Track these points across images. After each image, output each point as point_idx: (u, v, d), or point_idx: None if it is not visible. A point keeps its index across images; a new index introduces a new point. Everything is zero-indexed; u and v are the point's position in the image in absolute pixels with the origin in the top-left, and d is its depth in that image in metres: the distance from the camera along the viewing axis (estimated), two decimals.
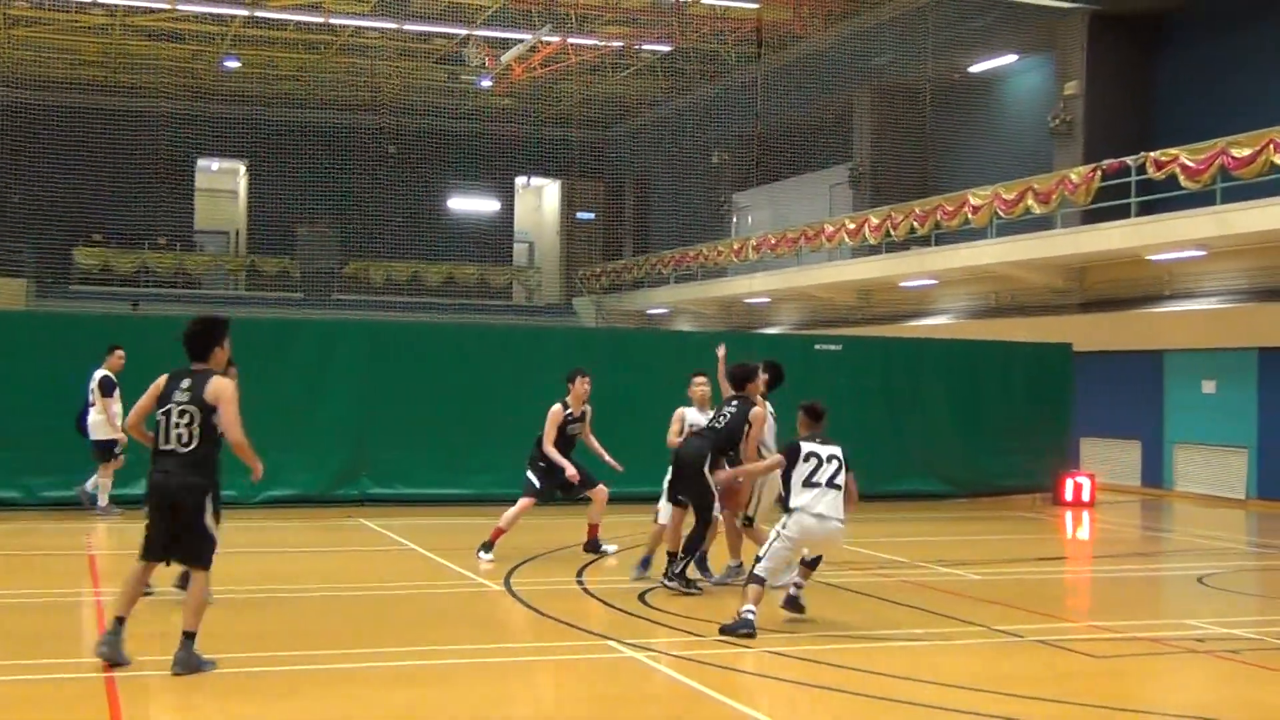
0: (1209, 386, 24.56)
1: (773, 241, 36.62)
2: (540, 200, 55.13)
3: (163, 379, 8.93)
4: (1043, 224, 27.89)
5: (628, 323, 45.19)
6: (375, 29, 36.87)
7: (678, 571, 12.06)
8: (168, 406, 8.77)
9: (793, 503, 10.62)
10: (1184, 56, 29.01)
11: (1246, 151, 21.98)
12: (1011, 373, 22.86)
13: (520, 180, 53.04)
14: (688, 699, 8.61)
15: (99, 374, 17.02)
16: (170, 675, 8.46)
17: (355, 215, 46.63)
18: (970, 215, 28.85)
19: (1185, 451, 25.11)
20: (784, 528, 10.56)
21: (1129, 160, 24.87)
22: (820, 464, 10.68)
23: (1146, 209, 25.05)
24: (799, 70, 37.29)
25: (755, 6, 34.17)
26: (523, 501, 14.48)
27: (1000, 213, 28.00)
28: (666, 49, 38.65)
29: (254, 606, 11.36)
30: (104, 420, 16.87)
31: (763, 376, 13.07)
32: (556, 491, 14.63)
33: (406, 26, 36.12)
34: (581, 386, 14.67)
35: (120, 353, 17.02)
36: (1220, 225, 22.88)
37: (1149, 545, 18.88)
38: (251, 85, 43.84)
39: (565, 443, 14.57)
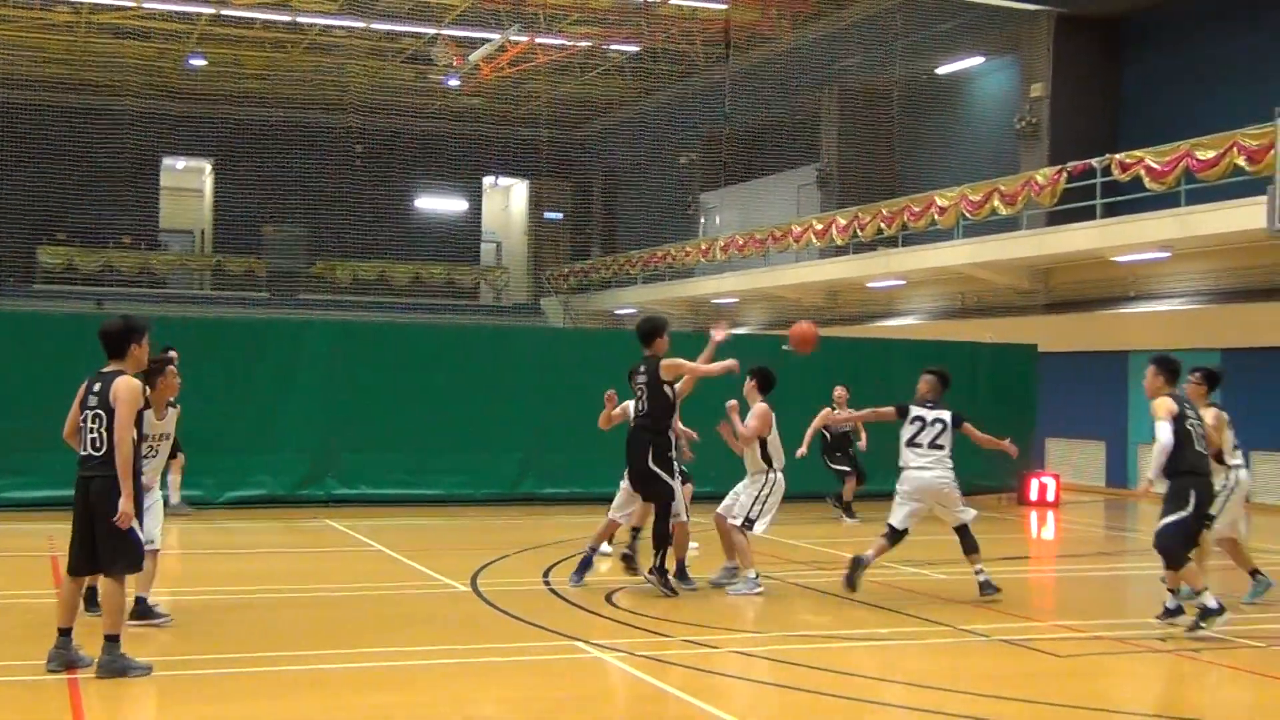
0: None
1: (740, 242, 36.67)
2: (508, 200, 55.03)
3: (85, 382, 8.79)
4: (1009, 225, 28.03)
5: (595, 323, 45.16)
6: (342, 27, 36.74)
7: (657, 565, 11.93)
8: (85, 412, 8.65)
9: (900, 461, 12.26)
10: (1149, 59, 29.19)
11: (1211, 154, 22.12)
12: (977, 373, 22.94)
13: (488, 180, 52.94)
14: (654, 699, 8.61)
15: None
16: (133, 678, 8.41)
17: (322, 215, 46.47)
18: (937, 216, 28.97)
19: (1149, 452, 25.18)
20: (899, 483, 12.25)
21: (1094, 162, 25.01)
22: (924, 426, 12.24)
23: (1111, 210, 25.20)
24: (767, 71, 37.36)
25: (723, 7, 34.20)
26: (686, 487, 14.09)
27: (966, 214, 28.12)
28: (634, 49, 38.66)
29: (219, 608, 11.30)
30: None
31: (751, 382, 12.82)
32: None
33: (374, 25, 36.02)
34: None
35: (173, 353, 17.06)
36: (1184, 227, 23.04)
37: (1113, 545, 18.99)
38: (217, 84, 43.61)
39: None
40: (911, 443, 12.29)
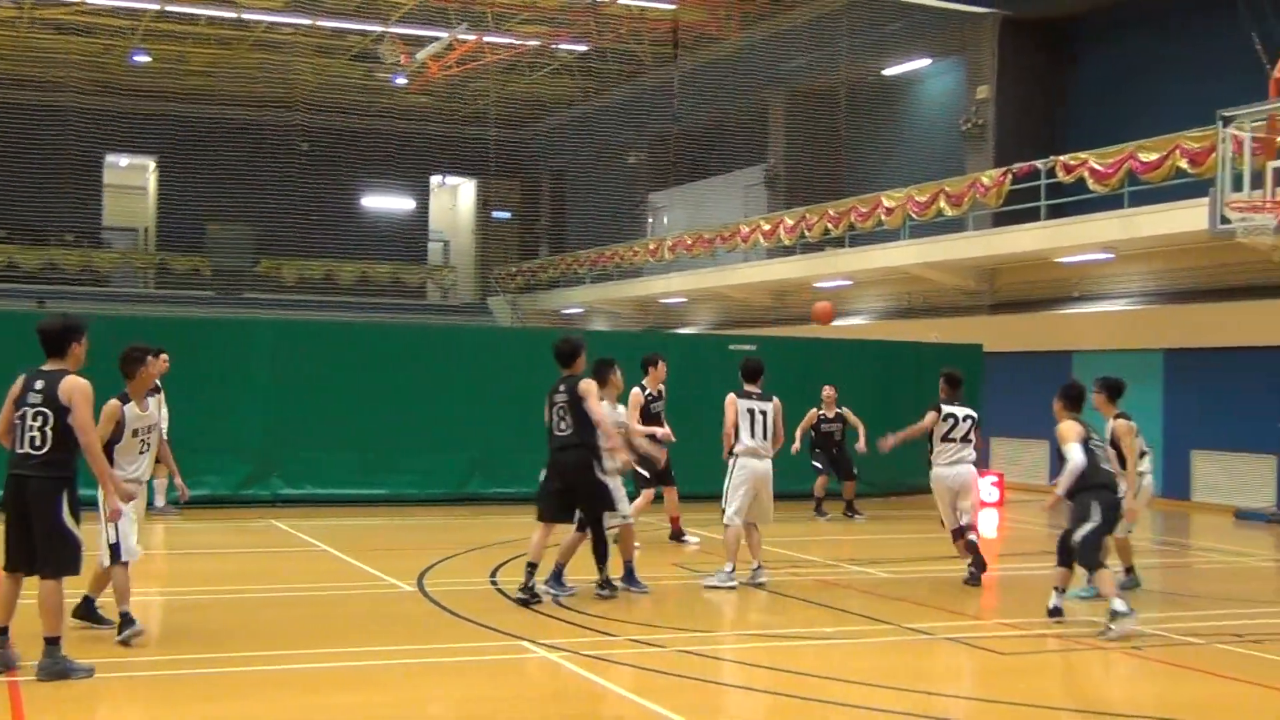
0: None
1: (689, 242, 36.72)
2: (455, 199, 54.88)
3: (20, 380, 8.68)
4: (955, 226, 28.21)
5: (543, 322, 45.08)
6: (289, 25, 36.52)
7: (603, 579, 11.82)
8: (23, 409, 8.55)
9: (933, 458, 13.53)
10: (1093, 62, 29.46)
11: (1154, 156, 22.34)
12: (923, 373, 23.05)
13: (435, 179, 52.79)
14: (601, 699, 8.61)
15: None
16: (76, 680, 8.33)
17: (268, 213, 46.07)
18: (884, 217, 29.12)
19: None
20: (932, 481, 13.50)
21: (1039, 164, 25.21)
22: (956, 423, 13.52)
23: (1056, 212, 25.39)
24: (715, 71, 37.42)
25: (671, 8, 34.25)
26: (644, 494, 15.26)
27: (913, 215, 28.28)
28: (583, 49, 38.65)
29: (165, 609, 11.22)
30: None
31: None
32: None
33: (321, 23, 35.82)
34: (662, 369, 15.70)
35: (164, 357, 16.61)
36: (1127, 228, 23.26)
37: (1055, 543, 19.12)
38: (162, 80, 43.22)
39: (651, 421, 15.27)
40: (946, 438, 13.56)
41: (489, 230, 52.56)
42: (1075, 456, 11.23)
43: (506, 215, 52.99)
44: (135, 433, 9.70)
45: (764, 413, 12.85)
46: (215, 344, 19.37)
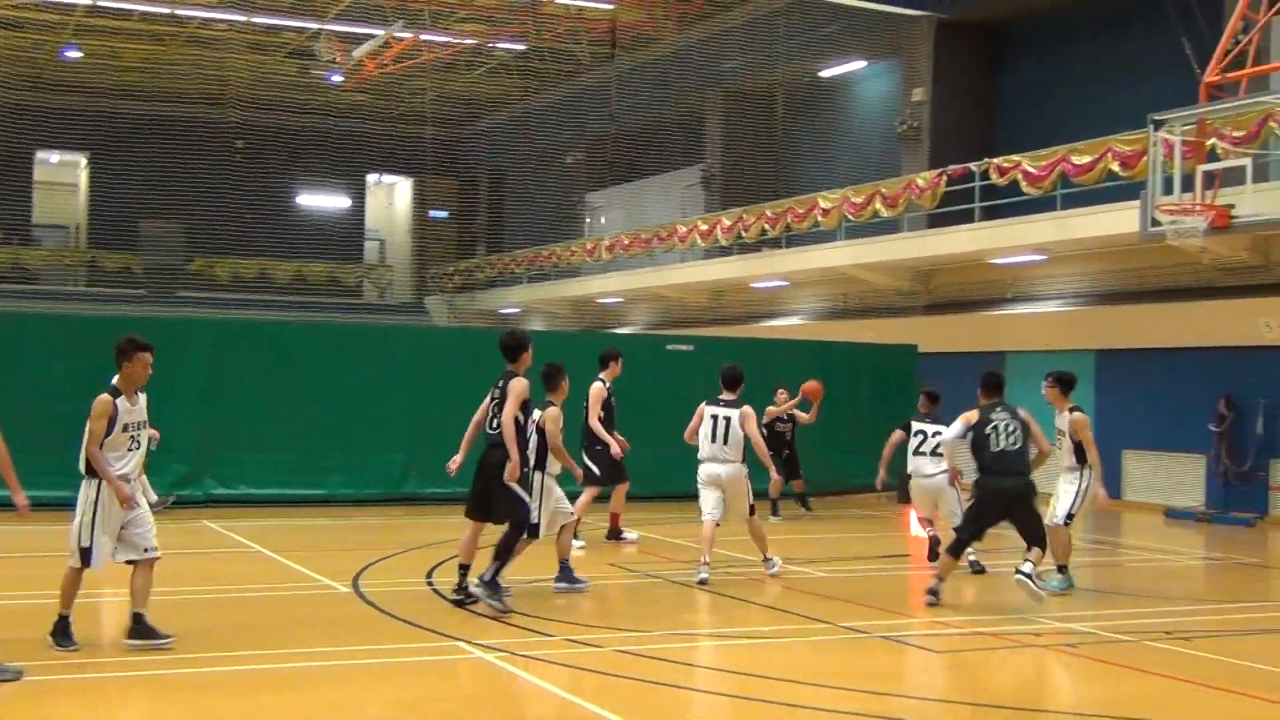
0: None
1: (626, 242, 36.74)
2: (392, 198, 54.61)
3: None
4: (890, 227, 28.38)
5: (480, 322, 44.96)
6: (223, 21, 36.18)
7: (488, 579, 11.11)
8: None
9: (910, 470, 14.82)
10: (1027, 65, 29.74)
11: (1086, 159, 22.57)
12: (858, 374, 23.22)
13: (371, 177, 52.51)
14: (537, 699, 8.59)
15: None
16: (3, 683, 8.21)
17: (202, 211, 45.68)
18: (820, 218, 29.24)
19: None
20: (912, 490, 14.72)
21: (973, 166, 25.41)
22: (925, 438, 14.67)
23: (990, 214, 25.61)
24: (652, 72, 37.47)
25: (609, 8, 34.26)
26: (588, 491, 15.29)
27: (849, 216, 28.43)
28: (520, 48, 38.56)
29: (95, 611, 11.07)
30: None
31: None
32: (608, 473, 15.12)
33: (255, 19, 35.51)
34: (619, 364, 15.96)
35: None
36: (1060, 230, 23.49)
37: (989, 542, 19.22)
38: (94, 76, 42.66)
39: (610, 415, 15.50)
40: (917, 452, 14.80)
41: (426, 229, 52.36)
42: (945, 433, 12.87)
43: (443, 214, 52.80)
44: (125, 428, 9.48)
45: (727, 419, 13.22)
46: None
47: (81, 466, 9.33)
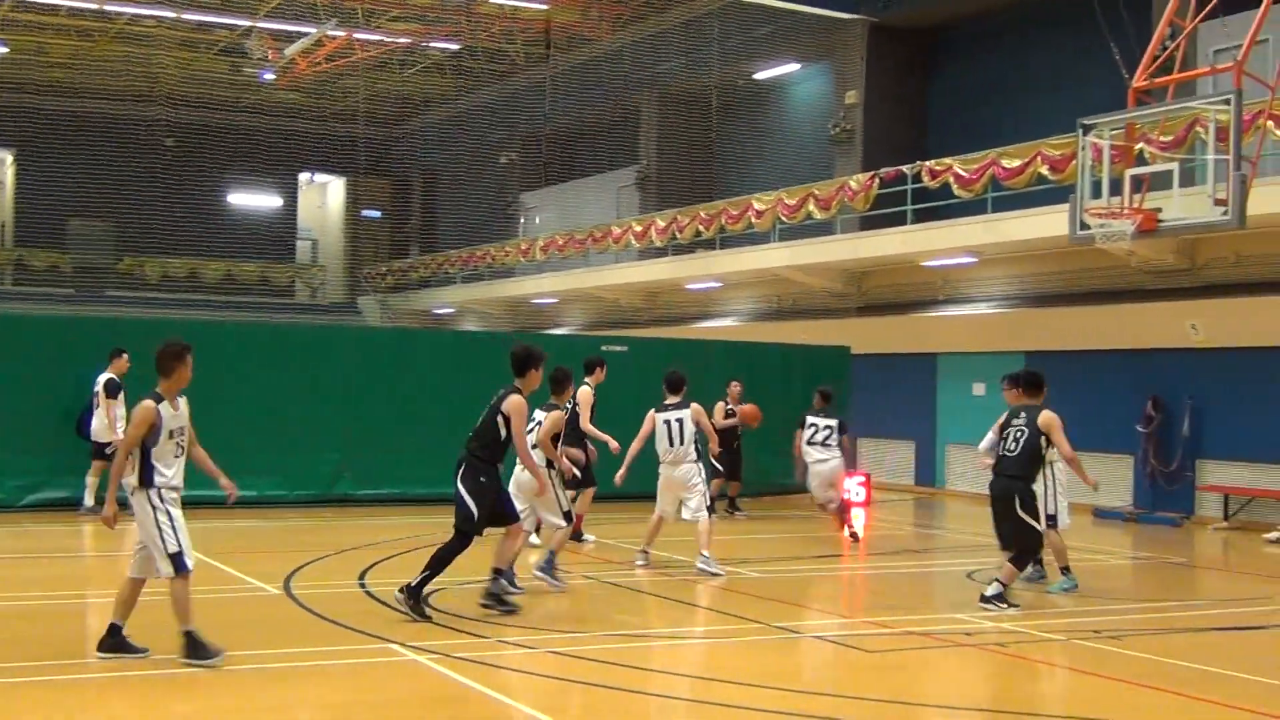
0: (979, 389, 25.44)
1: (560, 242, 36.68)
2: (324, 197, 54.20)
3: None
4: (824, 229, 28.50)
5: (414, 322, 44.75)
6: (152, 17, 35.75)
7: (414, 585, 10.83)
8: None
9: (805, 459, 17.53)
10: (958, 69, 29.99)
11: (1016, 162, 22.79)
12: (791, 374, 23.31)
13: (304, 176, 52.10)
14: (469, 701, 8.55)
15: (104, 377, 17.49)
16: None
17: (131, 209, 45.09)
18: (754, 219, 29.33)
19: (957, 451, 25.96)
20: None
21: (905, 169, 25.58)
22: (817, 430, 17.46)
23: (922, 216, 25.80)
24: (587, 72, 37.46)
25: (544, 8, 34.21)
26: (589, 490, 15.79)
27: (783, 217, 28.53)
28: (454, 47, 38.43)
29: (21, 614, 10.92)
30: (106, 424, 17.33)
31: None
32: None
33: (186, 16, 35.12)
34: (603, 372, 16.22)
35: (126, 356, 17.54)
36: (991, 233, 23.71)
37: (922, 542, 19.46)
38: (20, 72, 42.05)
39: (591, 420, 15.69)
40: (810, 442, 17.52)
41: (359, 229, 52.02)
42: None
43: (377, 214, 52.50)
44: (171, 434, 9.23)
45: (679, 420, 14.03)
46: (75, 344, 18.88)
47: (134, 479, 9.07)
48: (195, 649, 8.92)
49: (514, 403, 11.09)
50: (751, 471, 22.03)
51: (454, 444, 20.43)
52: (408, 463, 19.88)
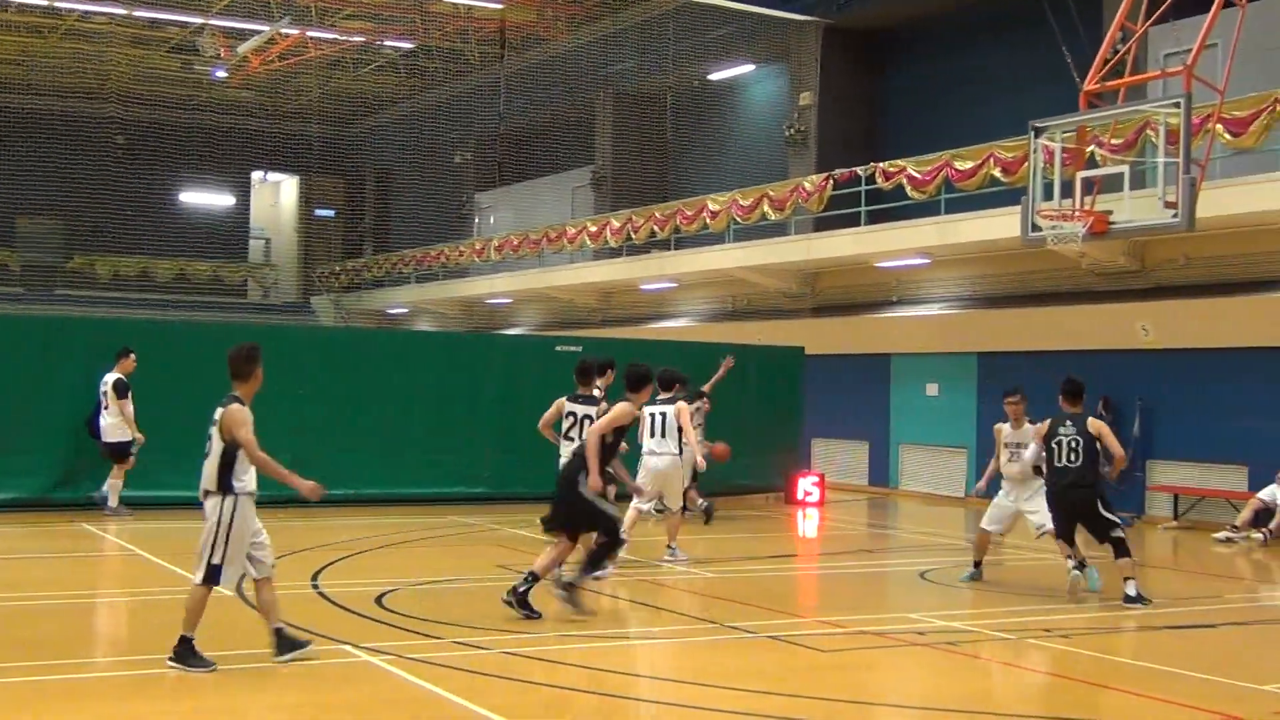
0: (932, 389, 25.59)
1: (515, 242, 36.62)
2: (277, 196, 53.89)
3: None
4: (778, 230, 28.59)
5: (368, 322, 44.58)
6: (103, 13, 35.43)
7: (570, 580, 11.36)
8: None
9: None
10: (912, 71, 30.13)
11: (969, 164, 22.93)
12: (746, 375, 23.33)
13: (256, 175, 51.78)
14: (424, 702, 8.52)
15: (112, 377, 17.81)
16: None
17: (81, 207, 44.69)
18: (709, 220, 29.38)
19: (910, 452, 26.10)
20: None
21: (859, 170, 25.69)
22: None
23: (875, 218, 25.91)
24: (542, 72, 37.41)
25: (499, 7, 34.13)
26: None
27: (737, 218, 28.60)
28: (409, 46, 38.28)
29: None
30: (119, 422, 17.71)
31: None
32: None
33: (137, 13, 34.82)
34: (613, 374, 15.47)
35: (133, 356, 17.86)
36: (943, 234, 23.83)
37: (875, 542, 19.53)
38: None
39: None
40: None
41: (312, 228, 51.75)
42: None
43: (330, 213, 52.25)
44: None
45: (664, 414, 14.74)
46: (23, 342, 18.70)
47: (212, 482, 9.16)
48: (187, 657, 8.94)
49: (619, 409, 11.63)
50: (704, 471, 22.08)
51: (407, 445, 20.42)
52: (361, 463, 19.78)
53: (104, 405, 17.89)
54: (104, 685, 8.57)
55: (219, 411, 9.23)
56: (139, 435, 17.96)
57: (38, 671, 8.80)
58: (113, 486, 17.96)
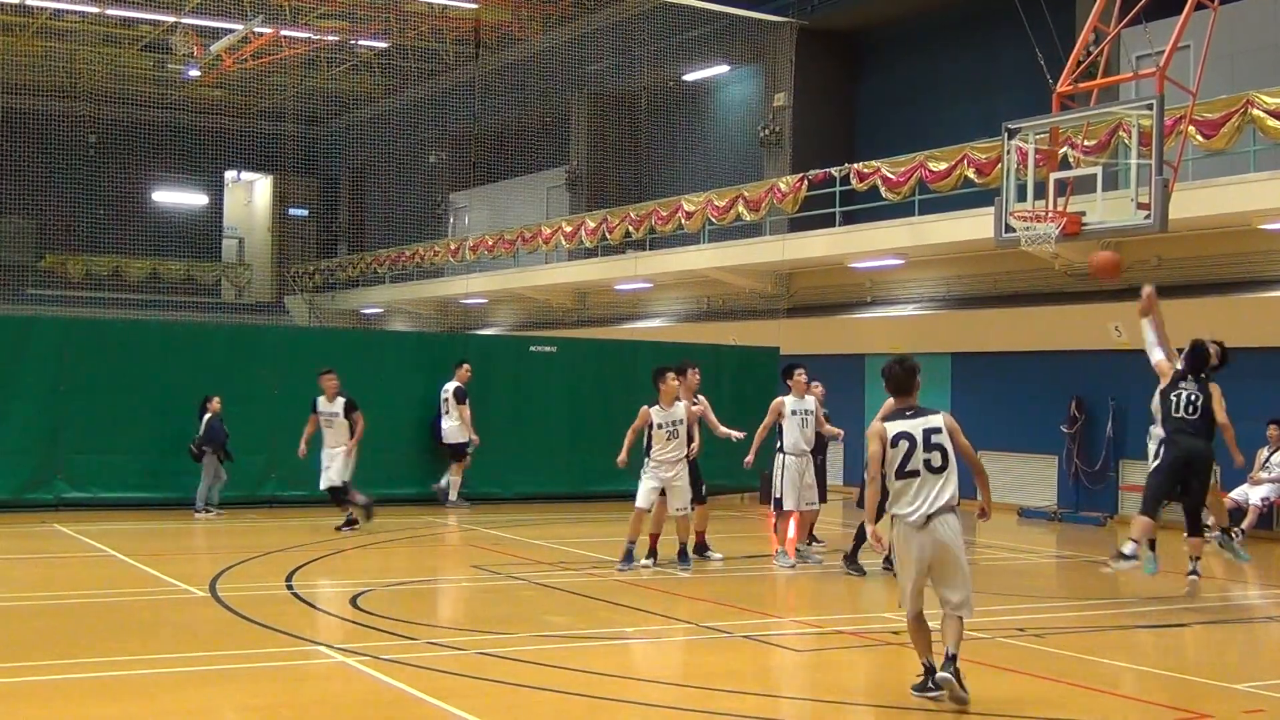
0: None
1: (490, 242, 36.56)
2: (251, 195, 53.68)
3: None
4: (753, 231, 28.61)
5: (342, 322, 44.44)
6: (75, 12, 35.24)
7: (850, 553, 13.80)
8: None
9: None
10: (886, 73, 30.20)
11: (943, 166, 22.98)
12: (721, 375, 23.35)
13: (230, 174, 51.55)
14: (397, 703, 8.50)
15: (452, 385, 20.13)
16: None
17: (52, 206, 44.36)
18: (684, 220, 29.38)
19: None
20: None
21: (834, 171, 25.73)
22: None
23: (850, 218, 25.96)
24: (517, 72, 37.35)
25: (473, 7, 34.08)
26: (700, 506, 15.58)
27: (712, 219, 28.61)
28: (383, 45, 38.20)
29: None
30: (459, 426, 19.93)
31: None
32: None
33: (109, 11, 34.64)
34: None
35: (467, 366, 20.31)
36: (917, 235, 23.90)
37: (848, 542, 19.53)
38: None
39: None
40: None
41: (286, 228, 51.56)
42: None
43: (304, 213, 52.07)
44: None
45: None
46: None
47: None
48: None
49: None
50: None
51: (384, 444, 20.32)
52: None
53: (444, 411, 20.06)
54: (69, 686, 8.52)
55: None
56: (474, 437, 20.02)
57: (6, 674, 8.74)
58: (452, 483, 20.10)
